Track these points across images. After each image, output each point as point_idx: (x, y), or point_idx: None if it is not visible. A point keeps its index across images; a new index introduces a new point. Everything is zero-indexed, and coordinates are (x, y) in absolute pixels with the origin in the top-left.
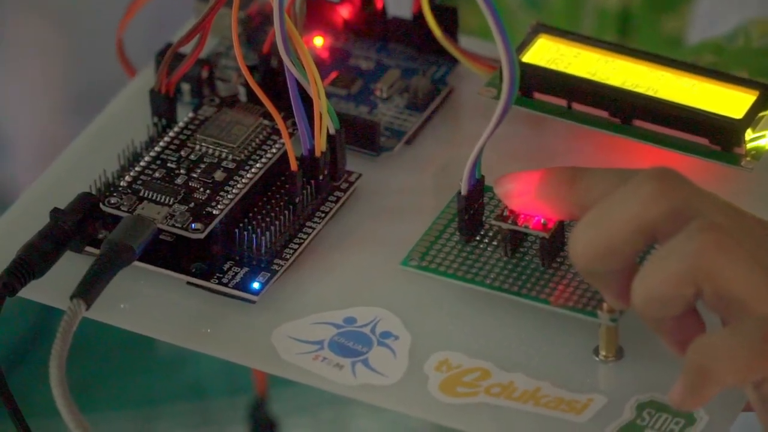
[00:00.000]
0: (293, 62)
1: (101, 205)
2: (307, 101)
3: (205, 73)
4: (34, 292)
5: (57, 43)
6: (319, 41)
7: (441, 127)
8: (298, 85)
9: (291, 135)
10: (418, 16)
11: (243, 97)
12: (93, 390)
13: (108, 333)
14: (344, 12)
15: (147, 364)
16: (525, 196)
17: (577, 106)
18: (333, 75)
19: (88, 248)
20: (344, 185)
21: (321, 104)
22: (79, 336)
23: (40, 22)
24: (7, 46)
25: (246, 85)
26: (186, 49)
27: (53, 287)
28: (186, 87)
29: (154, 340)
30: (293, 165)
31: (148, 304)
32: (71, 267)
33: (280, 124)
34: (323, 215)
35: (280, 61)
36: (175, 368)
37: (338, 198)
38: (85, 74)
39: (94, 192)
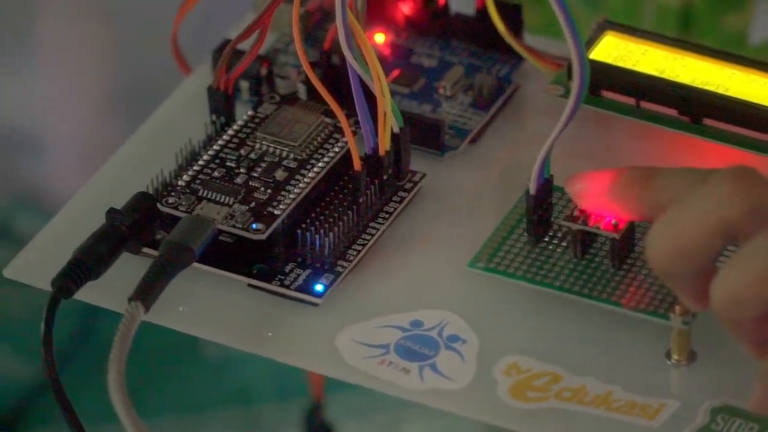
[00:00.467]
0: (356, 59)
1: (159, 205)
2: (369, 98)
3: (264, 70)
4: (89, 294)
5: (93, 42)
6: (380, 38)
7: (506, 126)
8: (361, 82)
9: (354, 133)
10: (482, 12)
11: (303, 95)
12: (138, 395)
13: (152, 337)
14: (406, 8)
15: (193, 368)
16: (597, 196)
17: (645, 105)
18: (395, 73)
19: (145, 249)
20: (408, 185)
21: (385, 102)
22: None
23: (76, 20)
24: (42, 44)
25: (306, 82)
26: (243, 45)
27: (109, 289)
28: (244, 84)
29: (199, 343)
30: (357, 164)
31: (208, 306)
32: (127, 268)
33: (344, 122)
34: (387, 215)
35: (342, 58)
36: (222, 372)
37: (402, 198)
38: (123, 73)
39: (151, 192)
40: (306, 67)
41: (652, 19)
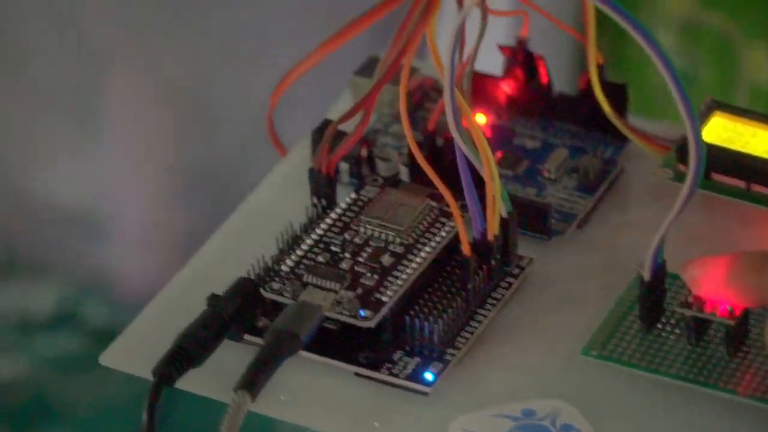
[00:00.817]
0: (464, 141)
1: (262, 291)
2: (475, 181)
3: (364, 152)
4: (189, 383)
5: (162, 125)
6: (481, 119)
7: (612, 210)
8: (469, 164)
9: (461, 217)
10: (586, 92)
11: (405, 177)
12: None
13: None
14: (507, 87)
15: None
16: (713, 283)
17: (756, 187)
18: (497, 155)
19: (246, 336)
20: (516, 270)
21: (494, 187)
22: (187, 426)
23: (145, 102)
24: (110, 127)
25: (409, 164)
26: (343, 126)
27: (210, 377)
28: (344, 166)
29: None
30: (466, 249)
31: (312, 395)
32: (227, 356)
33: (453, 206)
34: (496, 302)
35: (447, 139)
36: None
37: (510, 284)
38: (191, 157)
39: (252, 277)
40: (414, 150)
41: (744, 98)
